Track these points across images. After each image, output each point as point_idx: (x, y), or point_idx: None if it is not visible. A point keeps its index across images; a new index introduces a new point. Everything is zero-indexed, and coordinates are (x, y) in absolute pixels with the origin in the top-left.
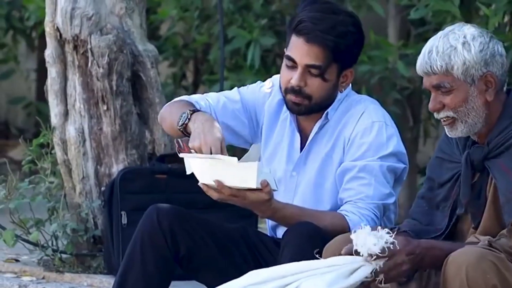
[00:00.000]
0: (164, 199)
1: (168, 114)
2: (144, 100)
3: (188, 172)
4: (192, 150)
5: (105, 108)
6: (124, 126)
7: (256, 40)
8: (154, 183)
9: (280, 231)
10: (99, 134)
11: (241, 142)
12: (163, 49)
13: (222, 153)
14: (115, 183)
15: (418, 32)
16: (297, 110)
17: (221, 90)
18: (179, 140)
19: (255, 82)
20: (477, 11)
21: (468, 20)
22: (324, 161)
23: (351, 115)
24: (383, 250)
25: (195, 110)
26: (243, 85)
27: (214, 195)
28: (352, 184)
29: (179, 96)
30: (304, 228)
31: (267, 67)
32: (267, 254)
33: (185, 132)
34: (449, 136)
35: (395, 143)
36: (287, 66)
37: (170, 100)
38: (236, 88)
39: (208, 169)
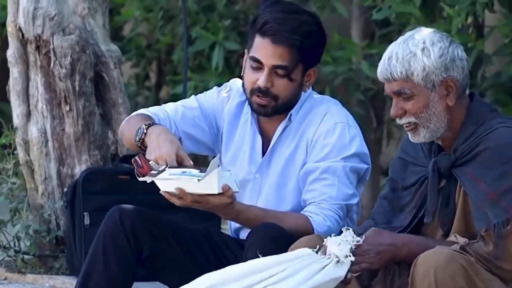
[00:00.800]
0: (127, 200)
1: (127, 130)
2: (107, 101)
3: (148, 181)
4: (151, 162)
5: (67, 108)
6: (87, 126)
7: (220, 43)
8: (117, 184)
9: (243, 233)
10: (61, 135)
11: (203, 149)
12: (126, 50)
13: (182, 162)
14: (78, 183)
15: (382, 33)
16: (263, 112)
17: (185, 91)
18: (137, 158)
19: (219, 83)
20: (440, 12)
21: (431, 21)
22: (287, 163)
23: (314, 116)
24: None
25: (150, 124)
26: (207, 86)
27: (176, 202)
28: (315, 185)
29: (142, 96)
30: (268, 230)
31: (231, 68)
32: (230, 255)
33: (143, 147)
34: (412, 141)
35: (358, 144)
36: (252, 68)
37: (133, 100)
38: (193, 96)
39: (162, 181)
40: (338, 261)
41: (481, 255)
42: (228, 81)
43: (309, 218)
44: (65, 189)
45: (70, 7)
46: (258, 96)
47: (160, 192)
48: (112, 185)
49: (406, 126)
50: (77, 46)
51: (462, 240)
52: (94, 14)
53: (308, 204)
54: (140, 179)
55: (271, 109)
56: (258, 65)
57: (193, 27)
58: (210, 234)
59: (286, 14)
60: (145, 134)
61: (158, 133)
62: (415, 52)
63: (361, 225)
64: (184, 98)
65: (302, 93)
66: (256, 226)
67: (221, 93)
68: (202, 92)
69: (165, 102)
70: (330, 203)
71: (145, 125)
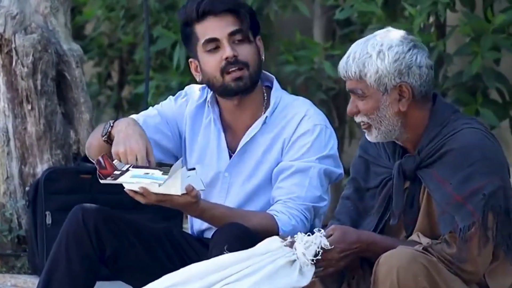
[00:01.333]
0: (89, 199)
1: (92, 139)
2: (69, 100)
3: (111, 183)
4: (115, 159)
5: (29, 107)
6: (48, 125)
7: (181, 42)
8: (79, 183)
9: (206, 233)
10: (23, 134)
11: (168, 156)
12: (88, 49)
13: (148, 157)
14: (40, 183)
15: (344, 32)
16: (242, 85)
17: (147, 90)
18: (100, 158)
19: (181, 82)
20: (402, 11)
21: (393, 20)
22: (259, 162)
23: (292, 117)
24: (318, 252)
25: (116, 119)
26: (169, 85)
27: (141, 200)
28: (285, 183)
29: (104, 95)
30: (233, 229)
31: None
32: (193, 254)
33: (109, 141)
34: (369, 140)
35: (333, 147)
36: (211, 51)
37: (95, 99)
38: (151, 107)
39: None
40: (300, 269)
41: (444, 256)
42: (190, 80)
43: (275, 216)
44: (27, 188)
45: (32, 6)
46: (230, 71)
47: (124, 189)
48: (74, 185)
49: (362, 125)
50: (39, 45)
51: (425, 241)
52: (56, 13)
53: (276, 202)
54: (102, 181)
55: (248, 79)
56: (215, 44)
57: (155, 26)
58: (172, 234)
59: None
60: (112, 127)
61: (127, 124)
62: (371, 54)
63: (327, 227)
64: (146, 97)
65: (275, 95)
66: (222, 224)
67: (178, 99)
68: (164, 91)
69: (127, 102)
70: (297, 202)
71: (112, 120)
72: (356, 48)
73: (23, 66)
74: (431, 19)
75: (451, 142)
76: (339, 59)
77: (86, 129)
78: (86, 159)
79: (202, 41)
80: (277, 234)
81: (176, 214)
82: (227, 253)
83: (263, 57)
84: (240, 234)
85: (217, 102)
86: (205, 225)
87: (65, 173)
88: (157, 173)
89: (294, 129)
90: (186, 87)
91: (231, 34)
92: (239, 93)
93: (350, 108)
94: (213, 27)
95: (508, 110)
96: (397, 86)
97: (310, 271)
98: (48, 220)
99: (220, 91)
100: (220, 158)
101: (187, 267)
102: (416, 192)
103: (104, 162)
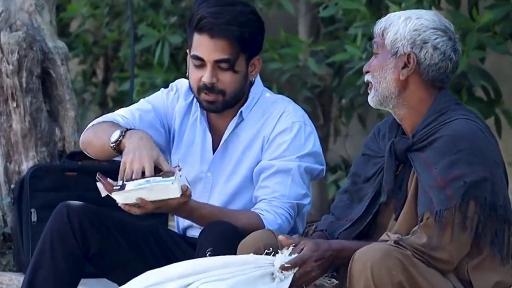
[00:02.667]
0: (74, 197)
1: (95, 137)
2: (54, 97)
3: (103, 195)
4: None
5: (14, 105)
6: (34, 123)
7: (164, 38)
8: (64, 181)
9: (190, 231)
10: (8, 131)
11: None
12: (73, 46)
13: (162, 166)
14: (25, 180)
15: (329, 30)
16: (213, 108)
17: (132, 87)
18: (99, 176)
19: (165, 79)
20: (386, 9)
21: (378, 18)
22: (239, 161)
23: (270, 115)
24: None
25: (128, 129)
26: (154, 83)
27: (137, 212)
28: (268, 182)
29: (89, 92)
30: (219, 228)
31: (177, 65)
32: (179, 253)
33: (118, 149)
34: (370, 104)
35: (313, 144)
36: (195, 66)
37: (80, 96)
38: (143, 99)
39: (130, 193)
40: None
41: (416, 248)
42: (175, 77)
43: (260, 215)
44: (12, 186)
45: (17, 3)
46: (206, 93)
47: (119, 205)
48: (59, 182)
49: (368, 87)
50: (24, 42)
51: (394, 237)
52: (41, 10)
53: (259, 201)
54: (104, 194)
55: (221, 104)
56: (201, 62)
57: (140, 24)
58: (158, 232)
59: (221, 7)
60: (124, 136)
61: (140, 137)
62: (401, 17)
63: (321, 222)
64: (131, 95)
65: (255, 91)
66: (209, 223)
67: (169, 94)
68: (149, 88)
69: (112, 99)
70: (281, 201)
71: (124, 128)
72: (396, 12)
73: (8, 64)
74: None
75: (444, 129)
76: (324, 56)
77: (71, 126)
78: (71, 156)
79: (192, 51)
80: (263, 230)
81: (161, 213)
82: (208, 255)
83: (254, 79)
84: (226, 233)
85: None
86: (187, 222)
87: (50, 170)
88: (157, 178)
89: (273, 126)
90: (177, 81)
91: (217, 61)
92: (210, 112)
93: (366, 64)
94: (204, 47)
95: (493, 108)
96: (406, 54)
97: (288, 278)
98: (34, 218)
99: (197, 100)
100: (203, 158)
101: (167, 266)
102: (406, 175)
103: (102, 180)
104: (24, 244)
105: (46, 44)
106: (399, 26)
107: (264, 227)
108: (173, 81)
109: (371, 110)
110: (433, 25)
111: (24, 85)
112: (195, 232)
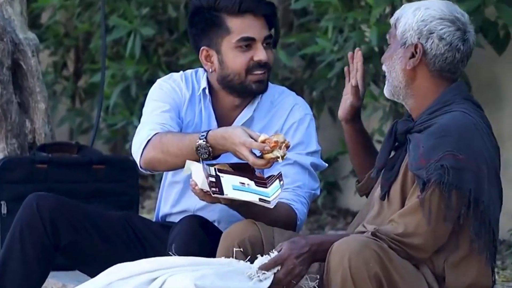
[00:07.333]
0: (45, 189)
1: (167, 154)
2: (24, 89)
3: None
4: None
5: None
6: (4, 115)
7: (136, 30)
8: (34, 173)
9: (171, 219)
10: None
11: None
12: (44, 38)
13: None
14: None
15: (300, 22)
16: (263, 88)
17: (103, 79)
18: (214, 172)
19: (136, 71)
20: (359, 1)
21: (349, 9)
22: None
23: (282, 106)
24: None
25: (202, 134)
26: (124, 75)
27: (207, 200)
28: (287, 171)
29: (60, 85)
30: (192, 223)
31: (149, 56)
32: (154, 239)
33: (211, 156)
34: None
35: (316, 140)
36: (242, 50)
37: (51, 88)
38: (152, 101)
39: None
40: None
41: (392, 237)
42: (146, 69)
43: (292, 206)
44: None
45: None
46: (257, 73)
47: (191, 184)
48: (30, 174)
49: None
50: None
51: (371, 228)
52: (12, 1)
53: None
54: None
55: (266, 82)
56: (249, 43)
57: (112, 15)
58: (131, 220)
59: None
60: (207, 141)
61: (220, 135)
62: (412, 7)
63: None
64: (102, 86)
65: None
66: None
67: (174, 86)
68: (120, 80)
69: (84, 91)
70: (304, 190)
71: (200, 134)
72: (411, 3)
73: None
74: (387, 9)
75: (441, 117)
76: (295, 48)
77: (42, 118)
78: (41, 148)
79: (236, 36)
80: (295, 225)
81: (131, 204)
82: (173, 254)
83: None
84: (195, 229)
85: (211, 93)
86: (168, 210)
87: (20, 162)
88: (251, 184)
89: (285, 118)
90: (171, 79)
91: (266, 38)
92: (257, 94)
93: (384, 55)
94: (252, 28)
95: None
96: (414, 44)
97: (268, 279)
98: (4, 210)
99: (237, 88)
100: None
101: (136, 262)
102: (401, 157)
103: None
104: None
105: (17, 35)
106: (408, 17)
107: (296, 217)
108: (144, 72)
109: None
110: (440, 15)
111: None
112: (174, 219)
